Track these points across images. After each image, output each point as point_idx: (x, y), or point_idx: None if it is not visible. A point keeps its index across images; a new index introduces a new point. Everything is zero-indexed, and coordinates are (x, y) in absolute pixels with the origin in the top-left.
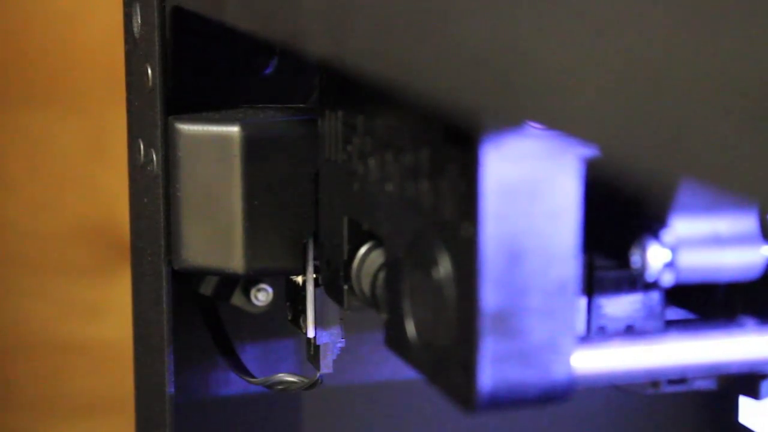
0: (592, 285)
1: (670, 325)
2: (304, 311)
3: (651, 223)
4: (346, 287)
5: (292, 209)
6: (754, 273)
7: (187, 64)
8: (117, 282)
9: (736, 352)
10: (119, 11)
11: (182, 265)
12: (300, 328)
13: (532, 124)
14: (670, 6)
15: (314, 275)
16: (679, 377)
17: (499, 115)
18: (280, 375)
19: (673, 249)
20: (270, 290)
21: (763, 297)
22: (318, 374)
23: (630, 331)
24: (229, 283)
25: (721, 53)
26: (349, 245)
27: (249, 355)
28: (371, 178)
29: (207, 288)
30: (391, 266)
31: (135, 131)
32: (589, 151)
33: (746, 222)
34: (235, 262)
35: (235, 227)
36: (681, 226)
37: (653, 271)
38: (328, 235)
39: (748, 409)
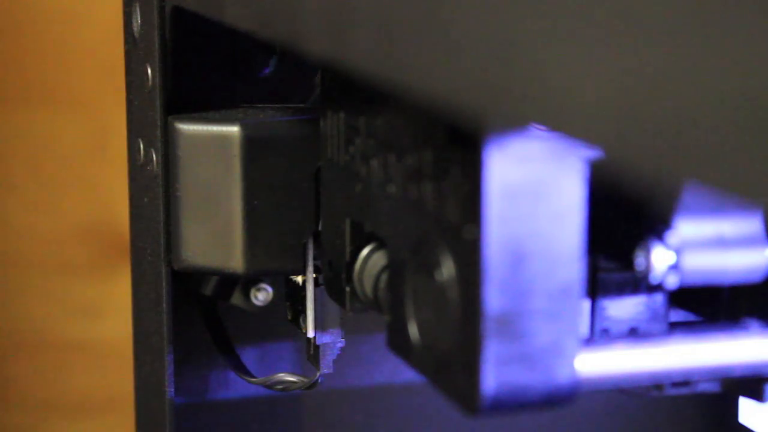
0: (596, 287)
1: (674, 328)
2: (304, 311)
3: (655, 225)
4: (348, 289)
5: (292, 209)
6: (759, 275)
7: (187, 64)
8: (117, 282)
9: (740, 355)
10: (119, 11)
11: (182, 265)
12: (300, 328)
13: (536, 125)
14: (674, 8)
15: (314, 275)
16: (683, 380)
17: (503, 116)
18: (280, 375)
19: (678, 251)
20: (270, 290)
21: None
22: (318, 374)
23: (634, 334)
24: (228, 282)
25: (725, 55)
26: (351, 247)
27: (249, 355)
28: (374, 179)
29: (207, 288)
30: (393, 268)
31: (135, 131)
32: (593, 153)
33: (751, 224)
34: (235, 262)
35: (235, 227)
36: (685, 229)
37: (657, 273)
38: (330, 236)
39: (748, 410)
